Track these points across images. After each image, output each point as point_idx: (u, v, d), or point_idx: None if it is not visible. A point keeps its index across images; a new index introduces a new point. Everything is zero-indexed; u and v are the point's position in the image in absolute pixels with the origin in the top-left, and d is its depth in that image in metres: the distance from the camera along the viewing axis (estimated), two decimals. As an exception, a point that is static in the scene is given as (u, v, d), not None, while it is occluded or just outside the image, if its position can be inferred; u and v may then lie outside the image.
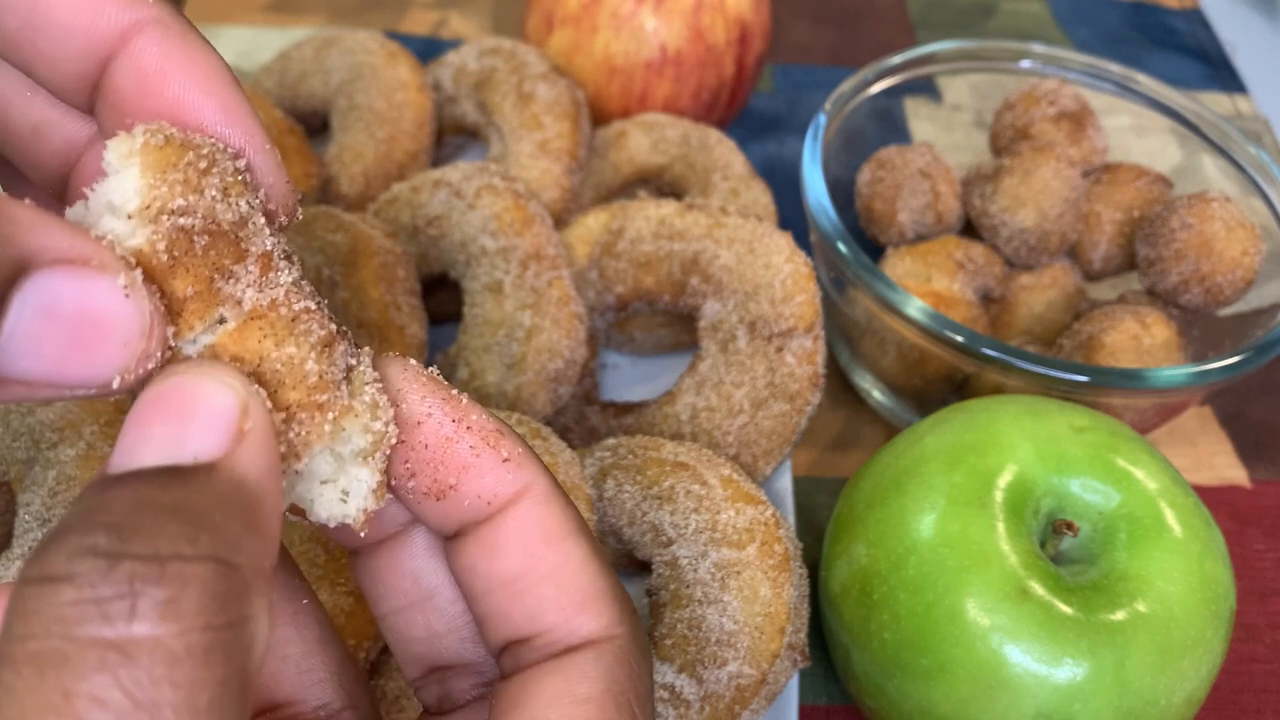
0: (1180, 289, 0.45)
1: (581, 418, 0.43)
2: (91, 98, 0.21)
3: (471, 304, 0.42)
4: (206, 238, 0.18)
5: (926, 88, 0.56)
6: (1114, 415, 0.40)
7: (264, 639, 0.16)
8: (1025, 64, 0.53)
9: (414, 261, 0.44)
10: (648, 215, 0.44)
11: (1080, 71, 0.53)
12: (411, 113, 0.50)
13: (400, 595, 0.23)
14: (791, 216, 0.54)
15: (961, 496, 0.32)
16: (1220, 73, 0.71)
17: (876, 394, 0.47)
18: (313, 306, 0.20)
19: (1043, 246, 0.47)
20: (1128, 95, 0.52)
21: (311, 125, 0.53)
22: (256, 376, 0.19)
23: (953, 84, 0.58)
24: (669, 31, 0.52)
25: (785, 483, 0.41)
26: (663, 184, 0.52)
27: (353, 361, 0.20)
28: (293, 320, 0.19)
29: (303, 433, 0.19)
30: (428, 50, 0.64)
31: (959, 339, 0.39)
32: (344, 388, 0.20)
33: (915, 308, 0.40)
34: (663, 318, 0.47)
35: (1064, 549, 0.33)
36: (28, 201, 0.16)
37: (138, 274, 0.17)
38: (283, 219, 0.21)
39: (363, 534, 0.20)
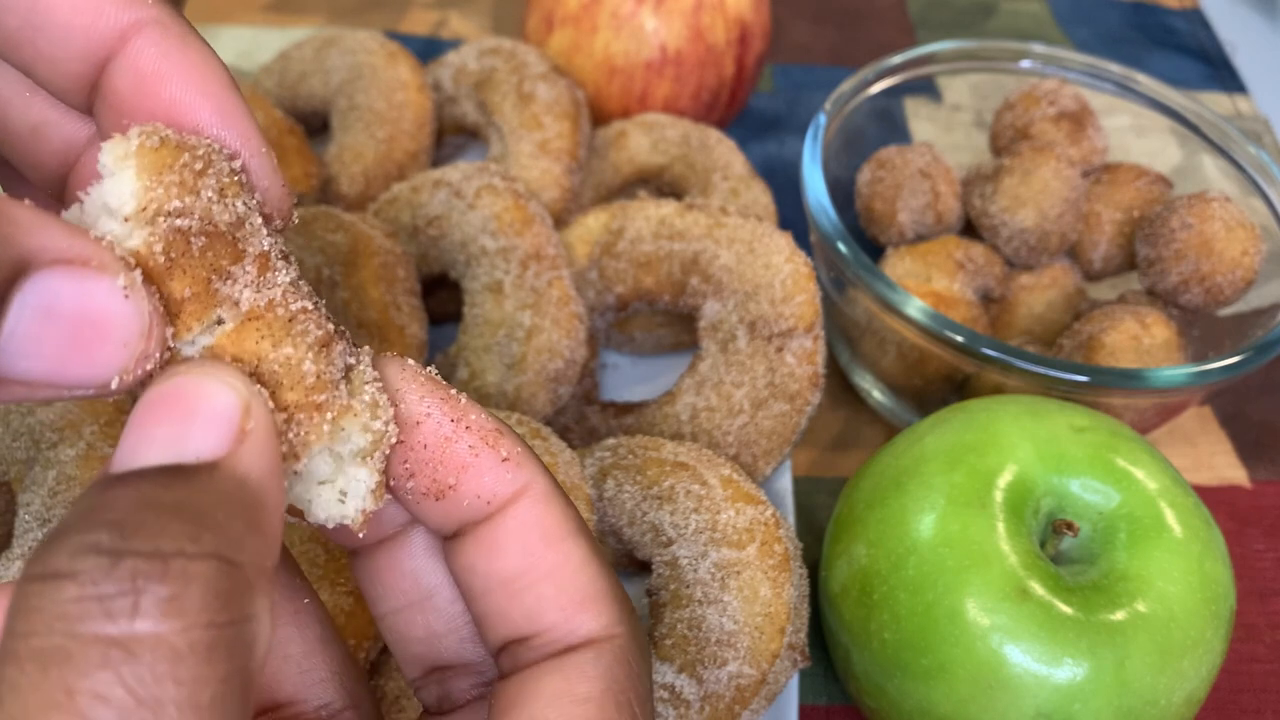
0: (1180, 289, 0.45)
1: (581, 418, 0.43)
2: (90, 98, 0.21)
3: (471, 304, 0.42)
4: (203, 239, 0.18)
5: (926, 88, 0.56)
6: (1114, 415, 0.40)
7: (266, 638, 0.16)
8: (1025, 64, 0.53)
9: (414, 261, 0.44)
10: (648, 215, 0.44)
11: (1080, 71, 0.53)
12: (411, 113, 0.50)
13: (399, 595, 0.23)
14: (791, 216, 0.54)
15: (961, 496, 0.32)
16: (1220, 73, 0.71)
17: (876, 394, 0.47)
18: (309, 306, 0.20)
19: (1043, 246, 0.47)
20: (1128, 95, 0.52)
21: (311, 125, 0.53)
22: (255, 377, 0.19)
23: (953, 84, 0.58)
24: (669, 31, 0.52)
25: (785, 483, 0.41)
26: (663, 184, 0.52)
27: (352, 361, 0.20)
28: (289, 321, 0.19)
29: (301, 433, 0.19)
30: (428, 50, 0.64)
31: (959, 339, 0.39)
32: (343, 387, 0.20)
33: (915, 308, 0.40)
34: (663, 318, 0.47)
35: (1064, 549, 0.33)
36: (27, 202, 0.16)
37: (137, 274, 0.17)
38: (278, 223, 0.21)
39: (361, 535, 0.20)
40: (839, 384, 0.50)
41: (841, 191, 0.48)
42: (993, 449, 0.33)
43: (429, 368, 0.22)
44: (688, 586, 0.33)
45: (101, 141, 0.19)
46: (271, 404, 0.18)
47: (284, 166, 0.47)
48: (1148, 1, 0.77)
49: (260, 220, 0.20)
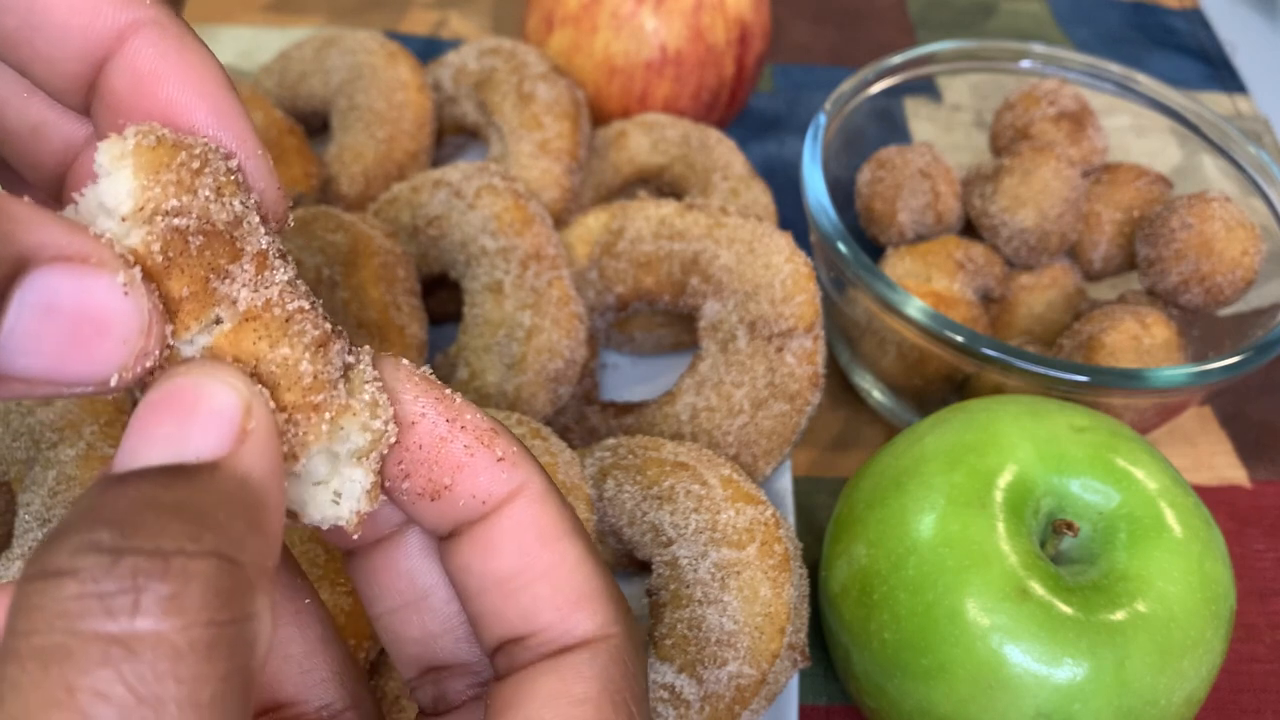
0: (1180, 289, 0.45)
1: (581, 418, 0.43)
2: (88, 98, 0.21)
3: (471, 304, 0.42)
4: (201, 238, 0.18)
5: (926, 88, 0.56)
6: (1114, 415, 0.40)
7: (266, 637, 0.16)
8: (1025, 64, 0.53)
9: (414, 261, 0.44)
10: (648, 215, 0.44)
11: (1080, 71, 0.53)
12: (411, 113, 0.50)
13: (395, 595, 0.23)
14: (791, 216, 0.54)
15: (961, 496, 0.32)
16: (1220, 73, 0.71)
17: (876, 394, 0.47)
18: (306, 306, 0.20)
19: (1043, 246, 0.47)
20: (1128, 95, 0.52)
21: (311, 125, 0.53)
22: (254, 378, 0.19)
23: (953, 84, 0.58)
24: (669, 31, 0.52)
25: (785, 483, 0.41)
26: (663, 184, 0.52)
27: (351, 360, 0.20)
28: (286, 321, 0.19)
29: (300, 433, 0.19)
30: (428, 50, 0.64)
31: (959, 339, 0.39)
32: (341, 386, 0.20)
33: (915, 308, 0.40)
34: (663, 318, 0.47)
35: (1064, 549, 0.33)
36: (26, 199, 0.16)
37: (136, 272, 0.17)
38: (273, 226, 0.21)
39: (355, 536, 0.20)
40: (839, 384, 0.50)
41: (841, 191, 0.48)
42: (993, 449, 0.33)
43: (425, 368, 0.22)
44: (688, 586, 0.33)
45: (98, 141, 0.19)
46: (272, 404, 0.18)
47: (284, 166, 0.47)
48: (1148, 1, 0.77)
49: (258, 219, 0.20)
